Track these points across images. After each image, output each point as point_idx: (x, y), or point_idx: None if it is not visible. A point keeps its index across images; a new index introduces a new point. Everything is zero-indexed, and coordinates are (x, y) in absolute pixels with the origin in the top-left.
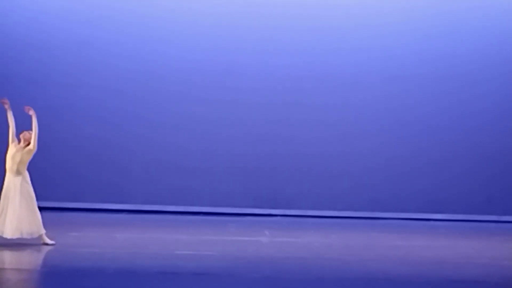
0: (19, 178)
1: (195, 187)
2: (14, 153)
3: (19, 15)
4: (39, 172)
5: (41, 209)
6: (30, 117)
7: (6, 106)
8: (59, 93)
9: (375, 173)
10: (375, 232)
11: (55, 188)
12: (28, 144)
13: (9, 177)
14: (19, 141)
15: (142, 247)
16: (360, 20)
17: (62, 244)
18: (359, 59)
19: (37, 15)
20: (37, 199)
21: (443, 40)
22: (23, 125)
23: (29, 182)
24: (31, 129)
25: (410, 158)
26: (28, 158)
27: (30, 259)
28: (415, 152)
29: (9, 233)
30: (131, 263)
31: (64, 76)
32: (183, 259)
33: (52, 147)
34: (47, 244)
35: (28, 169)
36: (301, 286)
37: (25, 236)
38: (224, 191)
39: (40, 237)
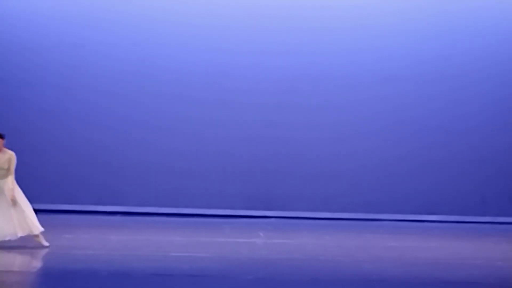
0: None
1: (189, 189)
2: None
3: (13, 18)
4: (34, 174)
5: (36, 211)
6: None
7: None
8: (53, 96)
9: (369, 175)
10: (369, 233)
11: (50, 190)
12: None
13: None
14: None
15: (136, 249)
16: (355, 21)
17: (56, 246)
18: (353, 60)
19: (31, 17)
20: (32, 201)
21: (436, 41)
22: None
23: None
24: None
25: (404, 160)
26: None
27: (24, 261)
28: (409, 153)
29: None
30: (125, 265)
31: (58, 78)
32: (177, 261)
33: (46, 149)
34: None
35: (22, 172)
36: None
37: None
38: (219, 193)
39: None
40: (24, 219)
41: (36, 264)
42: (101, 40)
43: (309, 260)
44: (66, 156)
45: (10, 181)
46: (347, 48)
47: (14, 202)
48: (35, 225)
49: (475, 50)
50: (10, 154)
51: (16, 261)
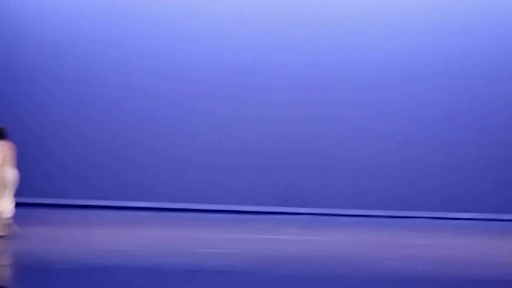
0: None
1: (219, 185)
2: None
3: (41, 15)
4: (65, 171)
5: (67, 206)
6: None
7: None
8: (79, 92)
9: (401, 172)
10: (399, 230)
11: (81, 186)
12: None
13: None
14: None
15: (166, 245)
16: (378, 20)
17: (88, 241)
18: (378, 58)
19: (58, 14)
20: (62, 197)
21: (462, 39)
22: None
23: None
24: None
25: (434, 156)
26: None
27: (57, 257)
28: (440, 150)
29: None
30: (155, 261)
31: (86, 74)
32: (208, 257)
33: (75, 146)
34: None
35: (53, 168)
36: (324, 285)
37: None
38: (250, 190)
39: None
40: None
41: (69, 259)
42: (129, 37)
43: (339, 258)
44: (97, 152)
45: None
46: (371, 46)
47: None
48: None
49: (499, 47)
50: None
51: (47, 257)
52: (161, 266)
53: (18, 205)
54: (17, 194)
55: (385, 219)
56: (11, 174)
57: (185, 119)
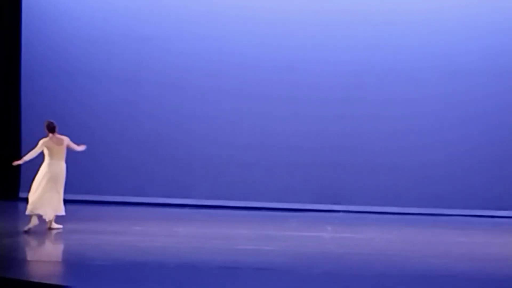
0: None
1: (257, 183)
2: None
3: (80, 12)
4: (103, 168)
5: (104, 203)
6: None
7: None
8: (121, 90)
9: (438, 169)
10: (437, 228)
11: (119, 183)
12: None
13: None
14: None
15: (203, 241)
16: (422, 16)
17: (125, 237)
18: (420, 55)
19: (98, 12)
20: (103, 194)
21: (504, 36)
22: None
23: None
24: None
25: (473, 154)
26: None
27: (93, 253)
28: (478, 147)
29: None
30: (192, 257)
31: (125, 72)
32: (245, 254)
33: (115, 143)
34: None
35: (92, 165)
36: (362, 282)
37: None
38: (286, 187)
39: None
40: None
41: (106, 255)
42: (167, 35)
43: (376, 255)
44: (135, 149)
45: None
46: (414, 43)
47: None
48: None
49: None
50: None
51: (84, 253)
52: (197, 263)
53: None
54: None
55: (422, 217)
56: (60, 169)
57: (223, 117)
